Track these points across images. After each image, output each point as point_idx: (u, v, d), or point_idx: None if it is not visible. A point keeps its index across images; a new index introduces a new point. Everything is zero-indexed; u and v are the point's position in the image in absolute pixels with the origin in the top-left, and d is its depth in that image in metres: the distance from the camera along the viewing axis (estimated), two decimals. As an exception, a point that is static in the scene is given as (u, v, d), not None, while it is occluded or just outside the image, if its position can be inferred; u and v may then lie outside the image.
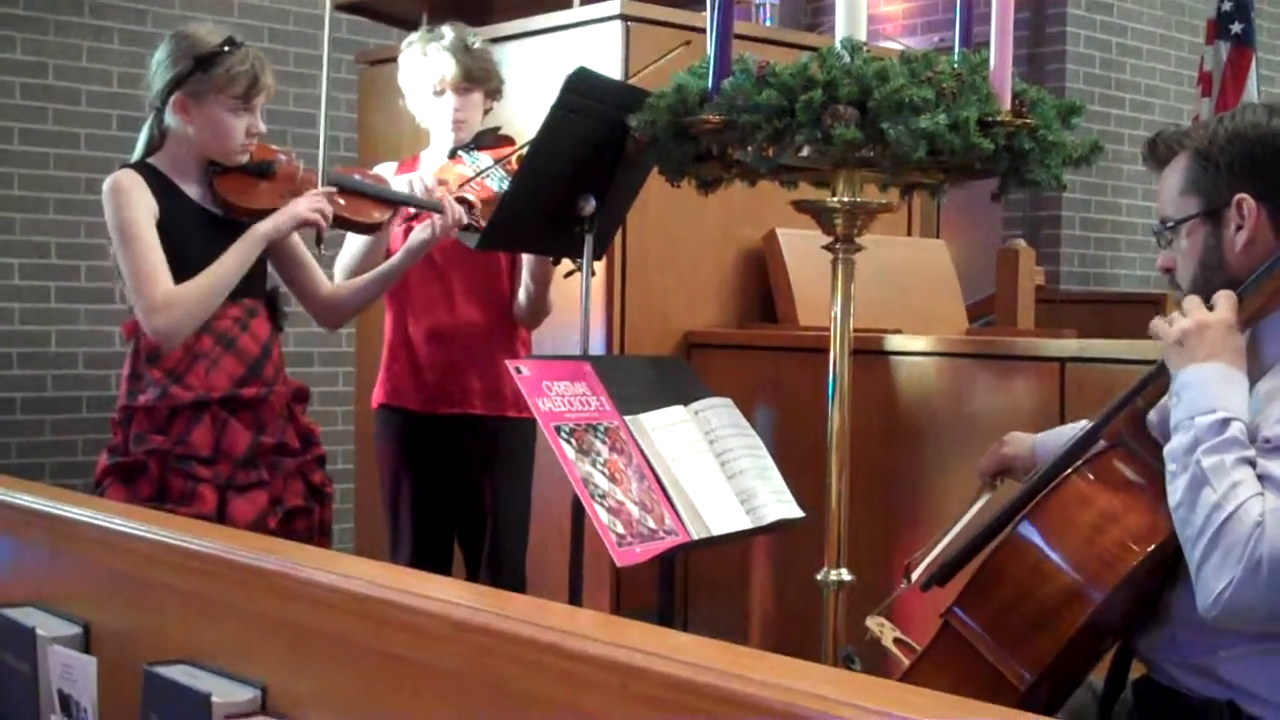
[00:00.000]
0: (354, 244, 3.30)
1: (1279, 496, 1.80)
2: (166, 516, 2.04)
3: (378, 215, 3.08)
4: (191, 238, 2.86)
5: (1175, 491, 1.87)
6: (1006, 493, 2.35)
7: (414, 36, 3.39)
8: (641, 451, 2.52)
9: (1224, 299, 1.95)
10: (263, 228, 2.87)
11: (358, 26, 5.44)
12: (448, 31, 3.32)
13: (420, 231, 3.10)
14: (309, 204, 2.91)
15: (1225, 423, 1.85)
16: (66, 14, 5.46)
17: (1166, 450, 1.91)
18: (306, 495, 2.94)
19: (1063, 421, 2.94)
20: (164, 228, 2.83)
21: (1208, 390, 1.89)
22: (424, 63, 3.32)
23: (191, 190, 2.90)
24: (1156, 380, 2.03)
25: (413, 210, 3.14)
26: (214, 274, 2.82)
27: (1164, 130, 2.11)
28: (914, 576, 2.30)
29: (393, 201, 3.12)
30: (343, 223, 3.07)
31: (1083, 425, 2.40)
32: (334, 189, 2.98)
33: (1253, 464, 1.84)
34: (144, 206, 2.81)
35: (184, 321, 2.81)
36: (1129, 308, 5.64)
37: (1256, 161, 1.97)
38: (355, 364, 4.57)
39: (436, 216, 3.07)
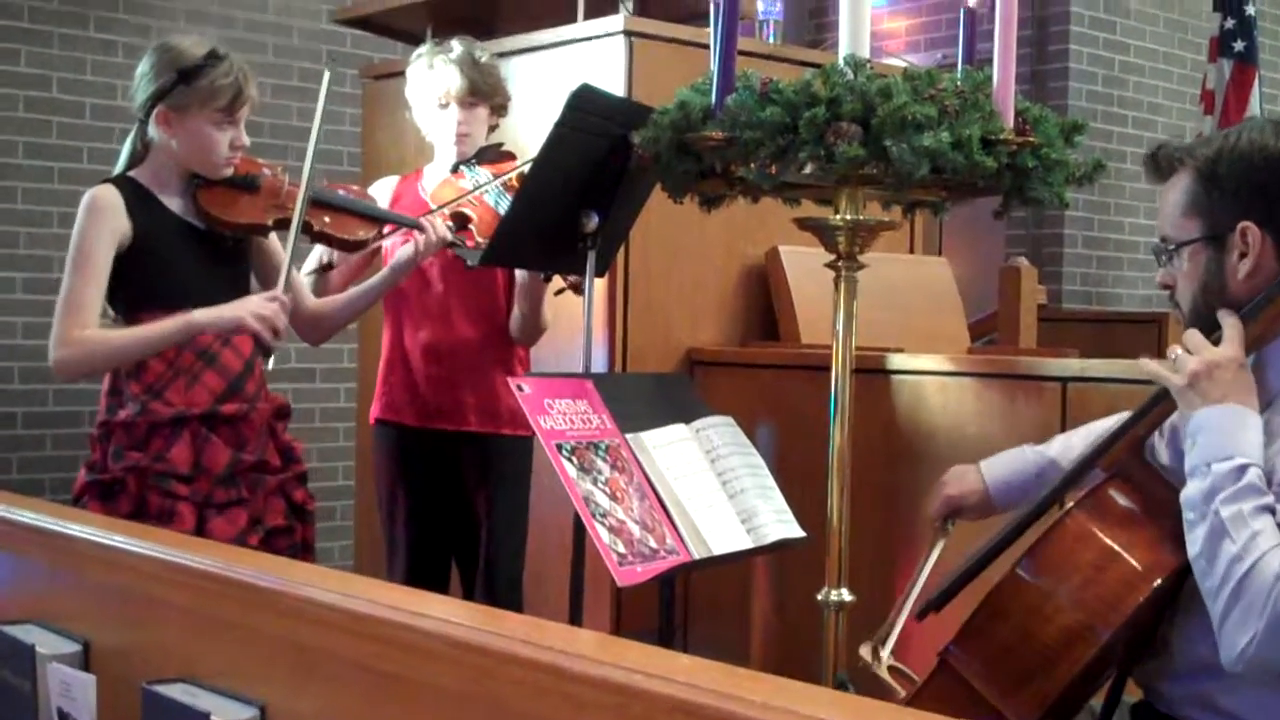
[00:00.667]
0: (315, 261, 3.30)
1: None
2: (167, 534, 2.04)
3: (363, 233, 3.07)
4: (170, 251, 2.84)
5: (1194, 542, 1.83)
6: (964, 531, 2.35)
7: (422, 49, 3.40)
8: (643, 470, 2.52)
9: (1231, 329, 1.90)
10: (202, 318, 2.80)
11: (362, 41, 5.45)
12: (456, 45, 3.33)
13: (404, 250, 3.10)
14: (258, 311, 2.84)
15: (1242, 470, 1.81)
16: (71, 27, 5.48)
17: (1183, 497, 1.87)
18: (288, 513, 2.91)
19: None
20: (142, 242, 2.82)
21: (1223, 435, 1.84)
22: (430, 75, 3.32)
23: (173, 203, 2.89)
24: (1156, 407, 2.00)
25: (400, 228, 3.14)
26: (133, 337, 2.80)
27: (1166, 143, 2.05)
28: (889, 644, 2.28)
29: (378, 219, 3.11)
30: (329, 240, 3.05)
31: (1030, 448, 2.38)
32: (288, 298, 2.91)
33: (1272, 510, 1.80)
34: (110, 232, 2.79)
35: (81, 366, 2.82)
36: (1132, 327, 5.64)
37: (1262, 187, 1.93)
38: (357, 380, 4.57)
39: (419, 235, 3.06)
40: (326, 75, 3.00)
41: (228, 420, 2.83)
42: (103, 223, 2.79)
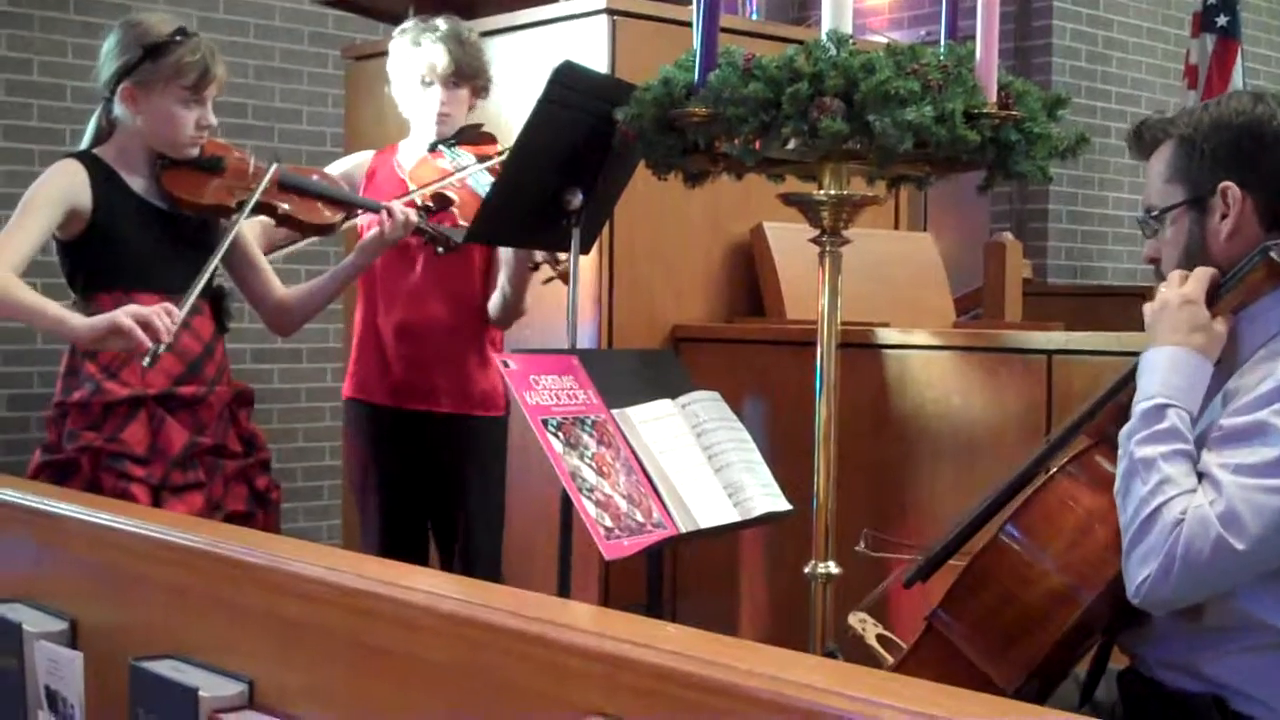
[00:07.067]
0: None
1: (1207, 494, 1.81)
2: (154, 511, 2.04)
3: (329, 215, 3.05)
4: (130, 232, 2.80)
5: (1117, 478, 1.91)
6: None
7: (407, 24, 3.34)
8: (629, 445, 2.52)
9: (1197, 273, 1.95)
10: (79, 326, 2.64)
11: (345, 22, 5.44)
12: (442, 23, 3.29)
13: (369, 234, 3.08)
14: (135, 312, 2.61)
15: (1161, 410, 1.88)
16: (52, 10, 5.45)
17: (1120, 433, 1.93)
18: (249, 500, 2.88)
19: (1048, 412, 2.95)
20: (102, 220, 2.78)
21: (1155, 375, 1.92)
22: (415, 52, 3.28)
23: (135, 183, 2.85)
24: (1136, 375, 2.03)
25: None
26: (27, 305, 2.66)
27: (1149, 118, 2.09)
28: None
29: (344, 203, 3.10)
30: (293, 223, 3.03)
31: None
32: (183, 313, 2.70)
33: (1191, 457, 1.86)
34: (65, 195, 2.75)
35: None
36: (1116, 300, 5.65)
37: (1241, 150, 1.96)
38: (344, 360, 4.56)
39: (386, 221, 3.04)
40: (273, 167, 2.96)
41: (185, 403, 2.79)
42: (61, 188, 2.76)
